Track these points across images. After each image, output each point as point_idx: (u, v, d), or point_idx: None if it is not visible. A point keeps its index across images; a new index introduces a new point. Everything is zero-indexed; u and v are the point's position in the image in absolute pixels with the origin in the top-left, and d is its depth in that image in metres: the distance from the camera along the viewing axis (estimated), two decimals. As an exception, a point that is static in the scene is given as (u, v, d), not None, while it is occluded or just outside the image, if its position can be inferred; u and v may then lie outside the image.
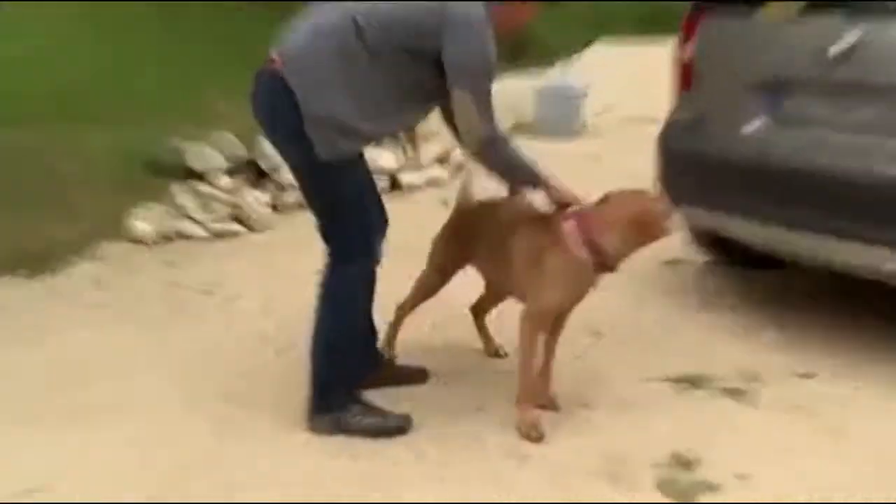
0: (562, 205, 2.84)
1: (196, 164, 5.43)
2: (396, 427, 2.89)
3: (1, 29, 6.39)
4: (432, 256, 3.21)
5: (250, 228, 4.94)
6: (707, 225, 4.02)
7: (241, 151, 5.73)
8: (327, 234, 2.83)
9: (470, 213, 3.15)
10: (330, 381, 2.89)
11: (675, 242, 4.54)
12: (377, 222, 2.91)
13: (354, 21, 2.62)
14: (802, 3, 3.50)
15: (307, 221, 4.73)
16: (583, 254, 2.78)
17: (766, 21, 3.64)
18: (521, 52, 9.52)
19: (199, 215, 4.88)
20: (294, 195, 5.28)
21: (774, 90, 3.59)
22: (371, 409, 2.92)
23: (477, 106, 2.64)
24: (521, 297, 2.94)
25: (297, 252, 4.58)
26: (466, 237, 3.09)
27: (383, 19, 2.62)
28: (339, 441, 2.83)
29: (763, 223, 3.58)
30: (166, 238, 4.70)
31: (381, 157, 5.76)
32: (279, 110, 2.66)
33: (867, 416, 3.02)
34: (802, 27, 3.49)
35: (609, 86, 8.51)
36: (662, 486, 2.63)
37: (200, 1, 8.29)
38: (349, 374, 2.93)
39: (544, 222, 2.85)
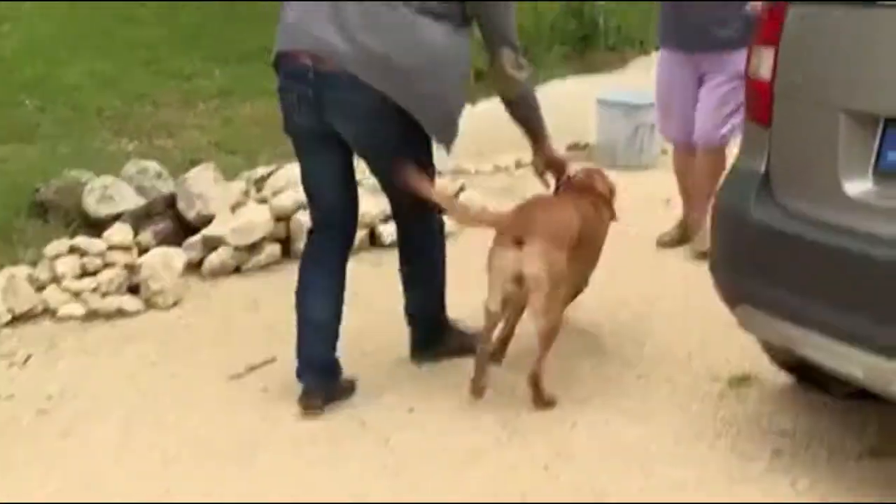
0: (557, 170, 4.04)
1: (93, 208, 5.07)
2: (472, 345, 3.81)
3: None
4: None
5: (149, 304, 4.50)
6: (783, 341, 3.49)
7: (165, 188, 5.34)
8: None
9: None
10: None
11: (745, 352, 3.97)
12: None
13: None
14: None
15: (233, 293, 4.38)
16: None
17: None
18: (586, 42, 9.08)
19: (77, 284, 4.47)
20: (226, 254, 4.86)
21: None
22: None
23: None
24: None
25: (203, 343, 4.11)
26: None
27: None
28: None
29: (868, 349, 3.02)
30: (27, 318, 4.30)
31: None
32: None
33: None
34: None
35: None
36: None
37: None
38: None
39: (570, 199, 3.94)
